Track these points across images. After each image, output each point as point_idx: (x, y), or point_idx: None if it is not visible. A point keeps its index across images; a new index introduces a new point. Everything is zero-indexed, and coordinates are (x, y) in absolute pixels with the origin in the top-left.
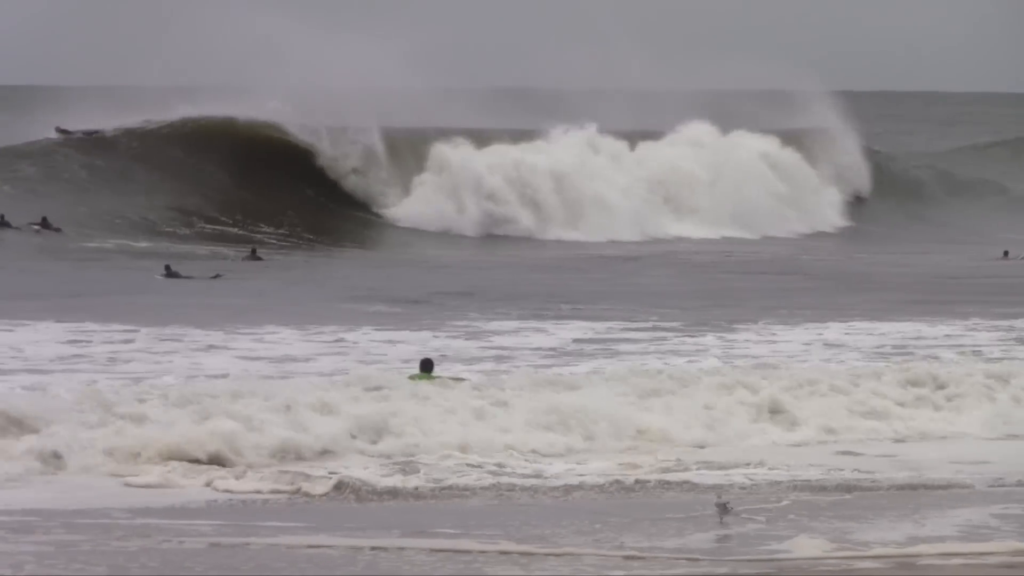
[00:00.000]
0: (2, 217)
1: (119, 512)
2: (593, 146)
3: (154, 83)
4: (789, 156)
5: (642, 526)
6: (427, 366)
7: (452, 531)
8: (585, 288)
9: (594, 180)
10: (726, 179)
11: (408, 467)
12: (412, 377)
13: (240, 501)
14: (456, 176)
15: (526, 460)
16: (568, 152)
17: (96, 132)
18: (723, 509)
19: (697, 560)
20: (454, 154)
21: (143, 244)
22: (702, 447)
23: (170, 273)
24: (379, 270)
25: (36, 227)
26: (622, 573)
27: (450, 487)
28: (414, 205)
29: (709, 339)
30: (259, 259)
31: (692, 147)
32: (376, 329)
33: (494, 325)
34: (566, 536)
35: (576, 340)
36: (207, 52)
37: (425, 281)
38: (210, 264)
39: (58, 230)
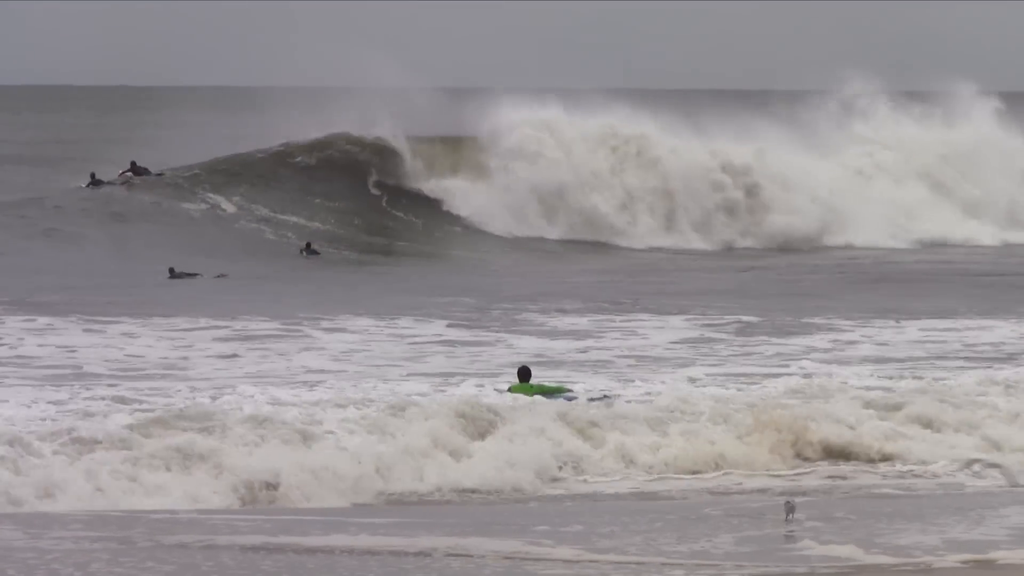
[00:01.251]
0: (94, 176)
1: None
2: None
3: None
4: None
5: None
6: (524, 375)
7: None
8: None
9: None
10: None
11: None
12: (513, 388)
13: None
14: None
15: None
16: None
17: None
18: (789, 509)
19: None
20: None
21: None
22: None
23: (174, 274)
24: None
25: (127, 173)
26: None
27: None
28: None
29: None
30: (315, 253)
31: None
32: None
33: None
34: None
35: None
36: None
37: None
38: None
39: (147, 172)
